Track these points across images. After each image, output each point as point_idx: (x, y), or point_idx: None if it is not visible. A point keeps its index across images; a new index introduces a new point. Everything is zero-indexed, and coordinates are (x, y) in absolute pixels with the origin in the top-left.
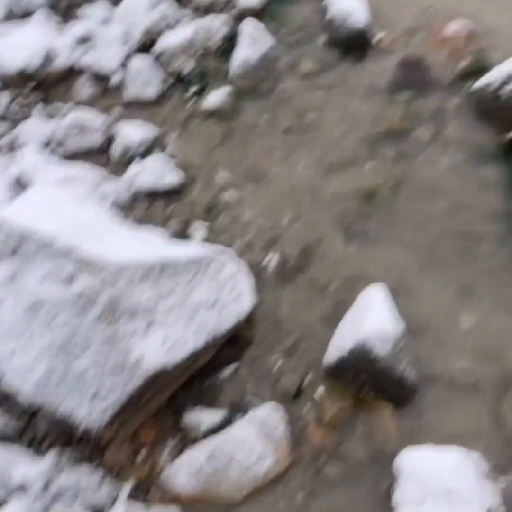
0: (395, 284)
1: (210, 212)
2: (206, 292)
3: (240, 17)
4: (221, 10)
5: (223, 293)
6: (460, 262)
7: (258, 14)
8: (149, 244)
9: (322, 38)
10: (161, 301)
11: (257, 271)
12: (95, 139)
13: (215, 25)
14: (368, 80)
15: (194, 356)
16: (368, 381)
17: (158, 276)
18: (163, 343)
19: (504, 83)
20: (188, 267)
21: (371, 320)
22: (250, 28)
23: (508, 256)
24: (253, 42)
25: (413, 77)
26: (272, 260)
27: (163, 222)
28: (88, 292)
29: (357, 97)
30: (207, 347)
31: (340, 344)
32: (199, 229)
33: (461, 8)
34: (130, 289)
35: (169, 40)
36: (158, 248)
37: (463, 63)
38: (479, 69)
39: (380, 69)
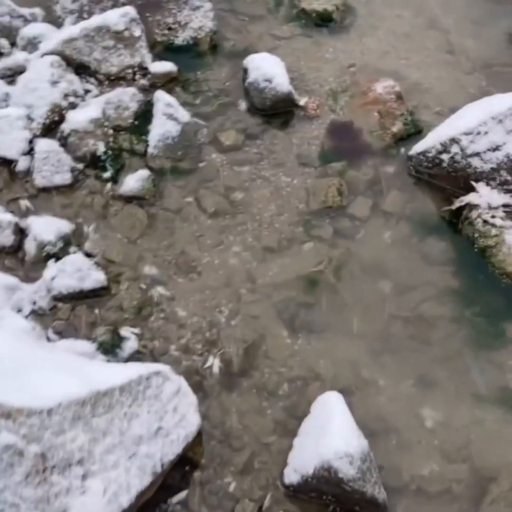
0: (348, 382)
1: (140, 313)
2: (146, 421)
3: (152, 86)
4: (132, 79)
5: (165, 418)
6: (413, 350)
7: (173, 80)
8: (77, 371)
9: (243, 105)
10: (97, 445)
11: (198, 379)
12: (4, 238)
13: (125, 99)
14: (296, 150)
15: (139, 496)
16: (335, 502)
17: (91, 414)
18: (104, 494)
19: (442, 151)
20: (124, 395)
21: (333, 439)
22: (163, 101)
23: (462, 340)
24: (168, 117)
25: (343, 144)
26: (213, 364)
27: (89, 331)
28: (12, 448)
29: (286, 170)
30: (153, 482)
31: (301, 463)
32: (129, 336)
33: (384, 66)
34: (60, 438)
35: (76, 120)
36: (87, 375)
37: (395, 126)
38: (413, 132)
39: (308, 137)
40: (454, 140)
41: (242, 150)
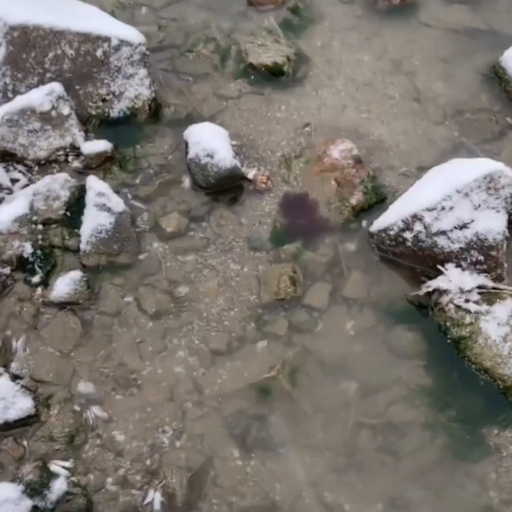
0: (308, 510)
1: (73, 442)
2: None
3: (87, 168)
4: (65, 161)
5: None
6: (383, 465)
7: (109, 159)
8: None
9: (187, 182)
10: None
11: None
12: None
13: (56, 187)
14: (246, 232)
15: None
16: None
17: None
18: None
19: (404, 229)
20: None
21: None
22: (95, 189)
23: (437, 450)
24: (100, 208)
25: (298, 221)
26: (154, 499)
27: (16, 467)
28: None
29: (236, 256)
30: None
31: None
32: (60, 472)
33: (343, 122)
34: None
35: None
36: None
37: (354, 197)
38: (375, 201)
39: (258, 215)
40: (416, 217)
41: (186, 236)
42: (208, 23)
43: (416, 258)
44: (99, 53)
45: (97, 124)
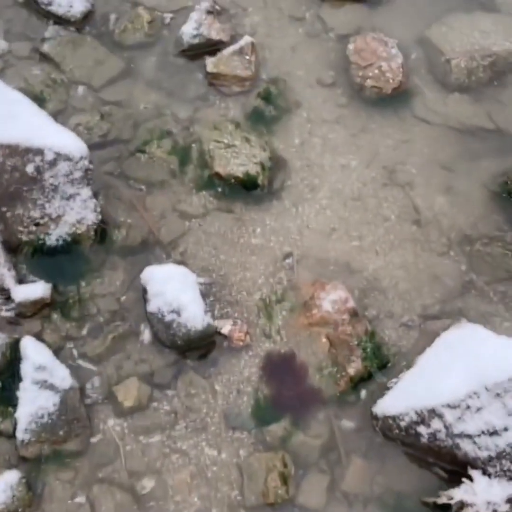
0: None
1: None
2: None
3: (20, 316)
4: None
5: None
6: None
7: (47, 305)
8: None
9: (146, 334)
10: None
11: None
12: None
13: None
14: (222, 404)
15: None
16: None
17: None
18: None
19: (418, 422)
20: None
21: None
22: (32, 360)
23: None
24: (41, 386)
25: (285, 392)
26: None
27: None
28: None
29: (211, 436)
30: None
31: None
32: None
33: (331, 253)
34: None
35: None
36: None
37: (352, 365)
38: (377, 366)
39: (236, 381)
40: (434, 413)
41: (149, 409)
42: (161, 109)
43: (431, 452)
44: (30, 168)
45: (29, 253)
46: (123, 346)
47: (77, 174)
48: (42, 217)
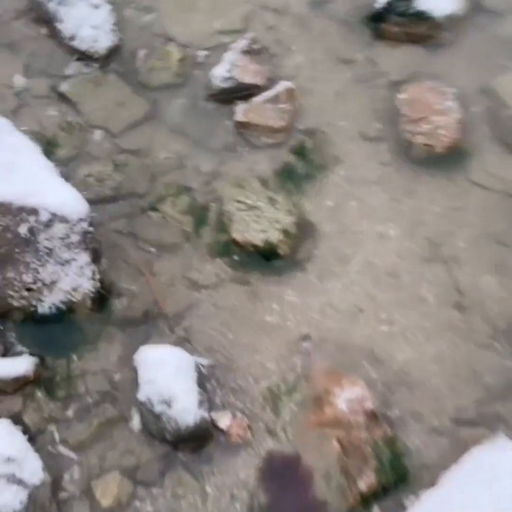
0: None
1: None
2: None
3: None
4: None
5: None
6: None
7: (32, 382)
8: None
9: (136, 421)
10: None
11: None
12: None
13: None
14: (211, 509)
15: None
16: None
17: None
18: None
19: None
20: None
21: None
22: (4, 451)
23: None
24: (10, 479)
25: (283, 501)
26: None
27: None
28: None
29: None
30: None
31: None
32: None
33: (354, 337)
34: None
35: None
36: None
37: (364, 479)
38: (393, 480)
39: (230, 484)
40: None
41: (129, 509)
42: (183, 160)
43: None
44: (23, 229)
45: (20, 320)
46: (110, 433)
47: (74, 238)
48: (34, 282)
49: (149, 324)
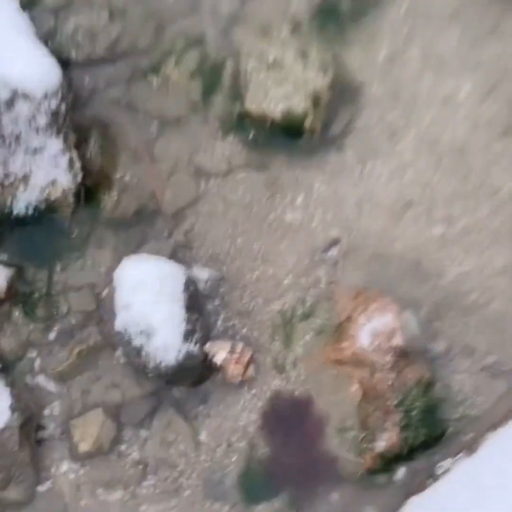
0: None
1: None
2: None
3: None
4: None
5: None
6: None
7: (9, 300)
8: None
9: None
10: None
11: None
12: None
13: None
14: (204, 461)
15: None
16: None
17: None
18: None
19: None
20: None
21: None
22: None
23: None
24: None
25: (288, 455)
26: None
27: None
28: None
29: (184, 506)
30: None
31: None
32: None
33: (393, 248)
34: None
35: None
36: None
37: (387, 432)
38: (425, 439)
39: (228, 430)
40: None
41: (112, 454)
42: (196, 2)
43: None
44: None
45: None
46: (95, 362)
47: (41, 120)
48: (6, 176)
49: (143, 224)
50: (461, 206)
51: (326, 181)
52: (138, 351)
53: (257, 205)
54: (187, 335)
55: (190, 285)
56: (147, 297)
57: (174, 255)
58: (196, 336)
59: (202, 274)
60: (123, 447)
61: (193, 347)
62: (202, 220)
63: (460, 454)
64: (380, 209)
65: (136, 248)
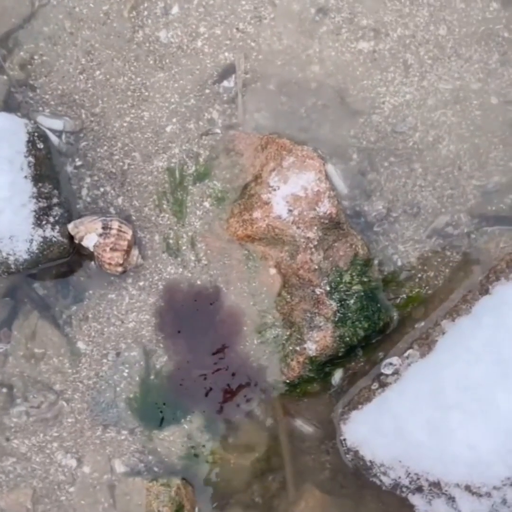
0: None
1: None
2: None
3: None
4: None
5: None
6: None
7: None
8: None
9: None
10: None
11: None
12: None
13: None
14: (87, 375)
15: None
16: None
17: None
18: None
19: (413, 490)
20: None
21: None
22: None
23: None
24: None
25: (195, 361)
26: None
27: None
28: None
29: (69, 436)
30: None
31: None
32: None
33: (310, 69)
34: None
35: None
36: None
37: (319, 321)
38: (365, 334)
39: (111, 338)
40: (439, 489)
41: None
42: None
43: None
44: None
45: None
46: None
47: None
48: None
49: None
50: (394, 9)
51: None
52: None
53: (118, 20)
54: (40, 216)
55: (37, 142)
56: None
57: (9, 101)
58: (53, 215)
59: (53, 124)
60: None
61: (50, 232)
62: (44, 46)
63: (410, 350)
64: (286, 18)
65: None
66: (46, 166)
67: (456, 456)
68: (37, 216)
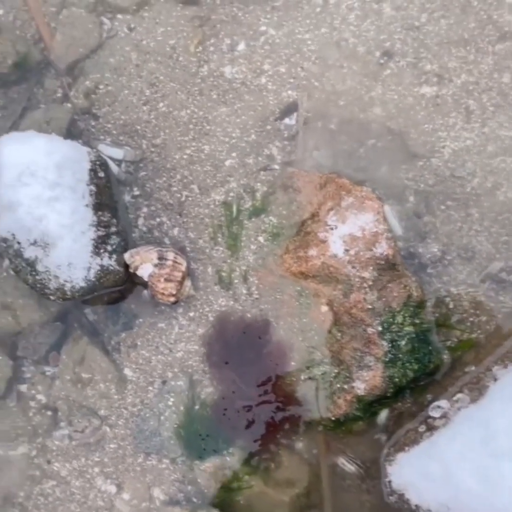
0: None
1: None
2: None
3: None
4: None
5: None
6: None
7: None
8: None
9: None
10: None
11: None
12: None
13: None
14: (134, 404)
15: None
16: None
17: None
18: None
19: None
20: None
21: None
22: None
23: None
24: None
25: (239, 398)
26: None
27: None
28: None
29: (109, 461)
30: None
31: None
32: None
33: (371, 110)
34: None
35: None
36: None
37: (369, 362)
38: (415, 375)
39: (158, 366)
40: None
41: (7, 399)
42: None
43: None
44: None
45: None
46: None
47: None
48: None
49: (27, 82)
50: (459, 55)
51: (275, 19)
52: (32, 267)
53: (184, 54)
54: (98, 244)
55: (99, 171)
56: (38, 191)
57: (72, 128)
58: (111, 243)
59: (114, 153)
60: (24, 388)
61: (107, 260)
62: (109, 76)
63: (460, 394)
64: (351, 60)
65: (18, 118)
66: (106, 195)
67: (507, 506)
68: (95, 244)
